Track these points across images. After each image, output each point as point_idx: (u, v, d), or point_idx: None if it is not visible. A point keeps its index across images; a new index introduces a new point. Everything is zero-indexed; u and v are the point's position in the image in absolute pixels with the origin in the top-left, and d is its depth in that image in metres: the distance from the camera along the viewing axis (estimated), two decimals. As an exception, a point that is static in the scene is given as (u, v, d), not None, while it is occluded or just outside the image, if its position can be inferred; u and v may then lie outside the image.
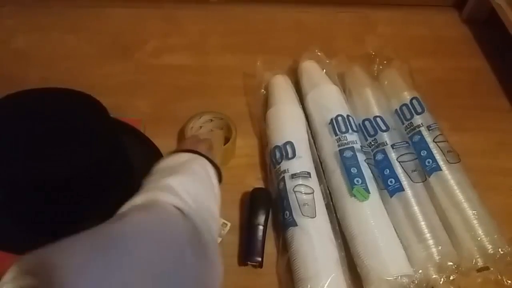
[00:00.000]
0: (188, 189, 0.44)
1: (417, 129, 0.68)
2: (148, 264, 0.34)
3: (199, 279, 0.40)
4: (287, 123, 0.68)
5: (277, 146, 0.64)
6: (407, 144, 0.66)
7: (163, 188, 0.44)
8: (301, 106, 0.72)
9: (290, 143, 0.64)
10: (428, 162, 0.65)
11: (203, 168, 0.49)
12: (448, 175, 0.63)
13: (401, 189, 0.61)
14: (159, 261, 0.35)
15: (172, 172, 0.46)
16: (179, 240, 0.39)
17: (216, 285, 0.42)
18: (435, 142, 0.66)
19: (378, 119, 0.68)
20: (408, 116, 0.70)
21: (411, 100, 0.71)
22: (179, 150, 0.53)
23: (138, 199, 0.43)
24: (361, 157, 0.62)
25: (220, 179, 0.52)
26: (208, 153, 0.54)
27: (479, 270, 0.58)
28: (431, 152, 0.65)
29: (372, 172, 0.62)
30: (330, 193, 0.63)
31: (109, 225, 0.37)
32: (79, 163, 0.50)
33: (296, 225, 0.57)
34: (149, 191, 0.44)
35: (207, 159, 0.51)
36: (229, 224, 0.62)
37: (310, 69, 0.76)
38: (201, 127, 0.71)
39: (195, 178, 0.47)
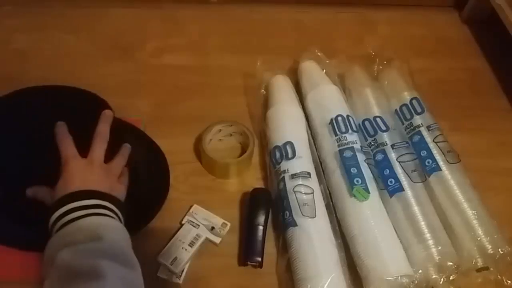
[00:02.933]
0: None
1: (417, 129, 0.68)
2: None
3: None
4: (287, 123, 0.68)
5: (277, 146, 0.64)
6: (407, 144, 0.66)
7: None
8: (301, 106, 0.72)
9: (290, 143, 0.64)
10: (428, 162, 0.65)
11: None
12: (448, 175, 0.63)
13: (401, 189, 0.61)
14: None
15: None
16: None
17: None
18: (435, 142, 0.66)
19: (378, 119, 0.68)
20: (408, 116, 0.70)
21: (411, 100, 0.71)
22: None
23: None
24: (361, 157, 0.62)
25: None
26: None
27: (479, 270, 0.58)
28: (431, 152, 0.65)
29: (372, 172, 0.62)
30: (330, 193, 0.63)
31: None
32: None
33: (296, 225, 0.57)
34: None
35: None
36: (229, 224, 0.62)
37: (310, 69, 0.76)
38: (220, 140, 0.71)
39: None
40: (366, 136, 0.68)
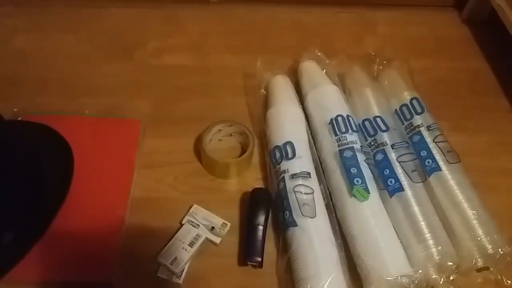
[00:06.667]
0: None
1: (417, 129, 0.68)
2: None
3: None
4: (287, 123, 0.68)
5: (277, 146, 0.64)
6: (407, 144, 0.66)
7: None
8: (301, 106, 0.72)
9: (290, 143, 0.64)
10: (428, 162, 0.65)
11: None
12: (448, 175, 0.63)
13: (401, 189, 0.61)
14: None
15: None
16: None
17: None
18: (435, 142, 0.66)
19: (378, 119, 0.68)
20: (408, 116, 0.70)
21: (411, 100, 0.71)
22: None
23: None
24: (361, 157, 0.62)
25: None
26: None
27: (479, 270, 0.58)
28: (431, 152, 0.65)
29: (372, 172, 0.62)
30: (330, 193, 0.63)
31: None
32: None
33: (296, 225, 0.57)
34: None
35: None
36: (229, 224, 0.62)
37: (310, 69, 0.76)
38: (220, 140, 0.70)
39: None
40: (366, 136, 0.68)
